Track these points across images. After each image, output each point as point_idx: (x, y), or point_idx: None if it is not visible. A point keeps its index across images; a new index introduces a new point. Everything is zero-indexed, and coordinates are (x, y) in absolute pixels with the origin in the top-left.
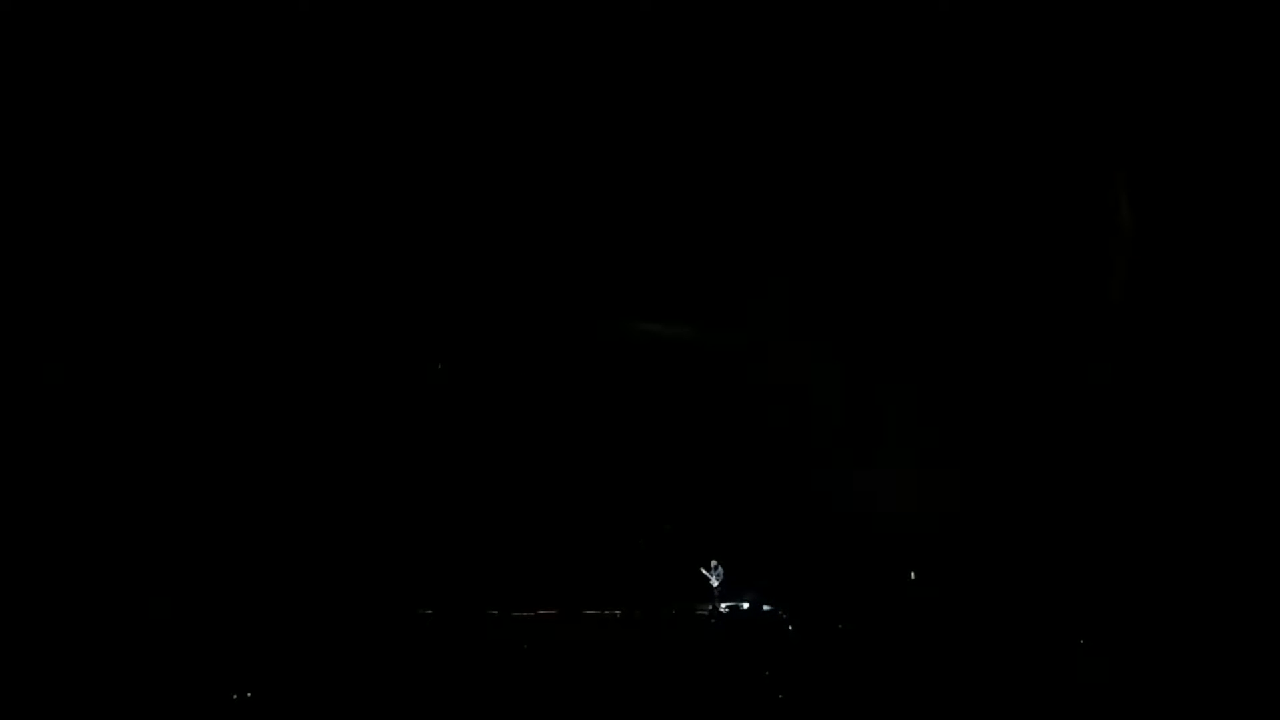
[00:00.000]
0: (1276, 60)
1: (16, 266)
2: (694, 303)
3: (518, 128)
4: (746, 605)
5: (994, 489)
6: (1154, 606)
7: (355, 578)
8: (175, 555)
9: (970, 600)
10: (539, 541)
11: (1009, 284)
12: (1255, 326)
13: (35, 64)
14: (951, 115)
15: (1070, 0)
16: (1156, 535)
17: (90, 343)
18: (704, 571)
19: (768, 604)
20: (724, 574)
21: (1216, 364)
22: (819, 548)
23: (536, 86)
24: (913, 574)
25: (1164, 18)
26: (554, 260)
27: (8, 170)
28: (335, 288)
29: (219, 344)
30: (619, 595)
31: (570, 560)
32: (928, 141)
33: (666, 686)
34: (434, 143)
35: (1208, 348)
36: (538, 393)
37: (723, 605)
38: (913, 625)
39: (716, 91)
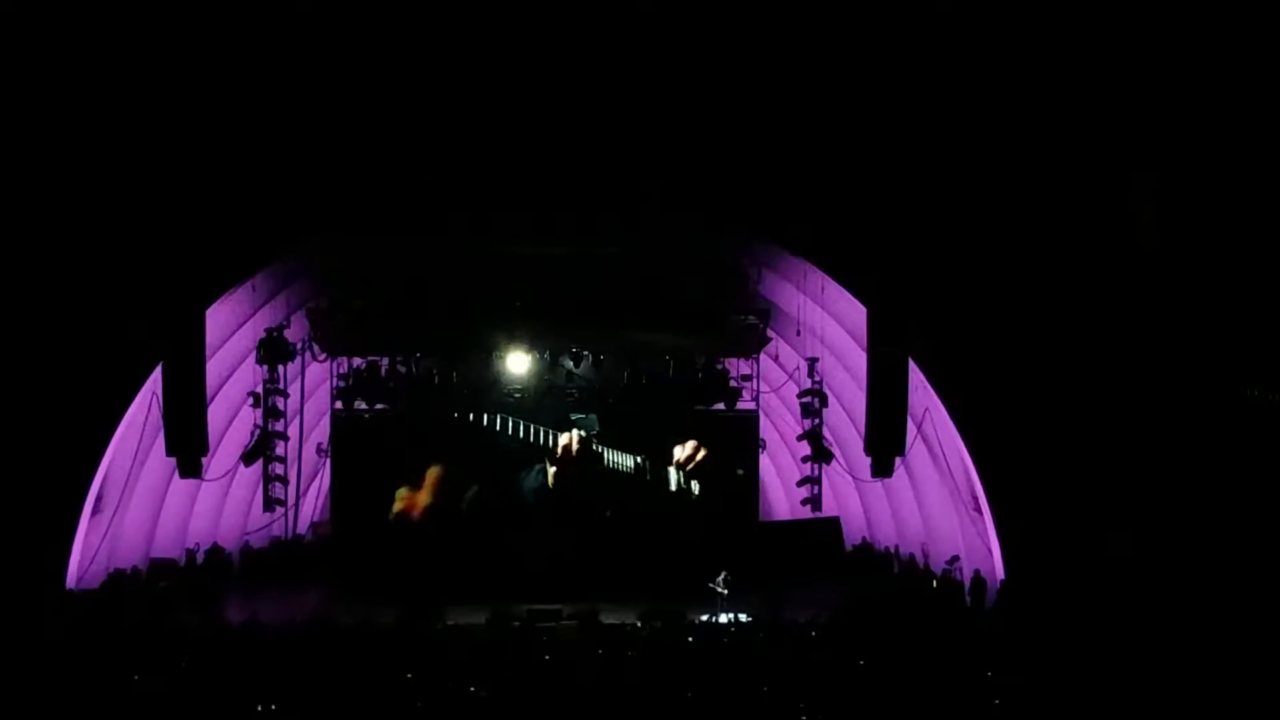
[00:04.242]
0: None
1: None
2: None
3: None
4: (761, 615)
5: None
6: (1161, 621)
7: (383, 589)
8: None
9: (988, 616)
10: (563, 555)
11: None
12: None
13: None
14: (974, 150)
15: (1090, 7)
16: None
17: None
18: (711, 585)
19: (781, 614)
20: (732, 582)
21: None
22: (839, 562)
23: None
24: (934, 583)
25: (1188, 25)
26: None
27: None
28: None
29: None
30: (637, 605)
31: (590, 572)
32: (945, 173)
33: (684, 694)
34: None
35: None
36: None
37: (740, 615)
38: (928, 638)
39: (729, 125)
